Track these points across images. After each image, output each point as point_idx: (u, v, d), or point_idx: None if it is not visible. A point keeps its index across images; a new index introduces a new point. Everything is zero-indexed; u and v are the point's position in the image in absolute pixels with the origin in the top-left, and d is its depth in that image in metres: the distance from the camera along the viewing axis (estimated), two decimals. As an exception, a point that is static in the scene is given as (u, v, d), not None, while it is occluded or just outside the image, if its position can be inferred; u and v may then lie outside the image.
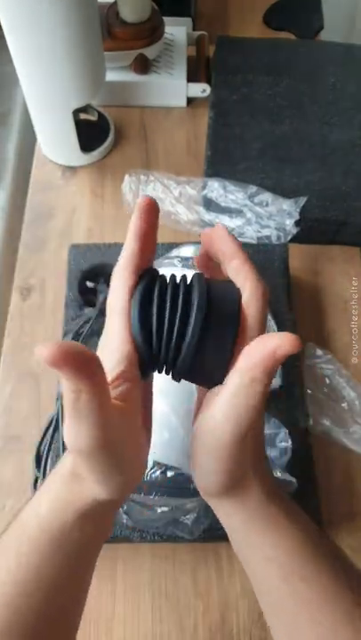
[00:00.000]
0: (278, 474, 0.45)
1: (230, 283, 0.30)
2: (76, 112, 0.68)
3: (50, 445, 0.52)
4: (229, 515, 0.32)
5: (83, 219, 0.72)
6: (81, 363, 0.23)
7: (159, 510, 0.44)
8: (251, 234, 0.66)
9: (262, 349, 0.25)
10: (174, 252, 0.57)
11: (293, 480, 0.46)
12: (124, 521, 0.46)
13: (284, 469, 0.48)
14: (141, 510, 0.44)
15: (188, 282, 0.29)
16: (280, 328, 0.56)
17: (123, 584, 0.51)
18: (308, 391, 0.58)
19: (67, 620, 0.31)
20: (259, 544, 0.31)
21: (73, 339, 0.57)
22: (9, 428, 0.58)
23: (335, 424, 0.57)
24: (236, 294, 0.29)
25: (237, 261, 0.29)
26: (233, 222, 0.66)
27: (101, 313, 0.59)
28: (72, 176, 0.76)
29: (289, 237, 0.65)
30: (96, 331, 0.59)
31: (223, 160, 0.70)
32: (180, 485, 0.42)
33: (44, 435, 0.53)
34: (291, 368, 0.56)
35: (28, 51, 0.60)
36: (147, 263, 0.30)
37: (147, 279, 0.29)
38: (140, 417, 0.29)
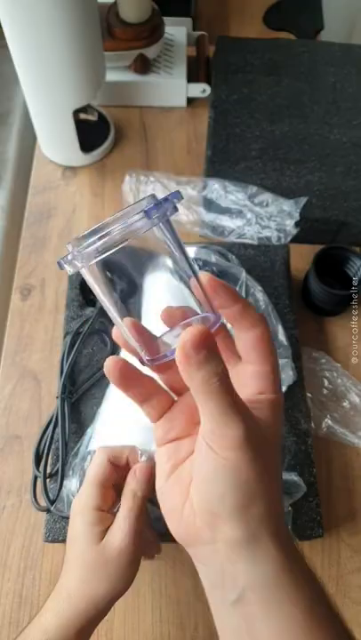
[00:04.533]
0: (285, 475, 0.45)
1: None
2: (76, 112, 0.68)
3: (50, 445, 0.52)
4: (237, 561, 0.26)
5: (83, 219, 0.72)
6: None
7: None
8: (251, 234, 0.66)
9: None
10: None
11: (302, 484, 0.45)
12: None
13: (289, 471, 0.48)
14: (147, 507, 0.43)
15: None
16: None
17: (123, 584, 0.51)
18: (308, 394, 0.58)
19: None
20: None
21: (73, 338, 0.57)
22: (9, 427, 0.58)
23: (338, 423, 0.57)
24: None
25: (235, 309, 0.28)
26: (233, 223, 0.66)
27: (102, 312, 0.59)
28: (72, 176, 0.76)
29: (289, 238, 0.65)
30: (96, 330, 0.59)
31: (223, 160, 0.70)
32: None
33: (44, 434, 0.53)
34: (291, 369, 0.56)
35: (28, 51, 0.60)
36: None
37: None
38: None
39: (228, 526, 0.25)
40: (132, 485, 0.37)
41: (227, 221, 0.67)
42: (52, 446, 0.52)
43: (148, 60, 0.77)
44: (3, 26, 0.58)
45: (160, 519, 0.45)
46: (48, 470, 0.51)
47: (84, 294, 0.61)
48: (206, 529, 0.26)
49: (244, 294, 0.54)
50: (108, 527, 0.37)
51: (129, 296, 0.64)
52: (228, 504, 0.25)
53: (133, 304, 0.48)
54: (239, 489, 0.25)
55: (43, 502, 0.50)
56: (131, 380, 0.29)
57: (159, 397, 0.30)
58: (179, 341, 0.24)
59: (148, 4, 0.74)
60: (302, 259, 0.66)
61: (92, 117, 0.74)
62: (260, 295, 0.56)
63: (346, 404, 0.58)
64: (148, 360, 0.28)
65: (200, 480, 0.26)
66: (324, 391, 0.59)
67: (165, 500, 0.29)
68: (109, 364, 0.29)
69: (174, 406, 0.31)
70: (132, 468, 0.39)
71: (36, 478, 0.51)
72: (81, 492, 0.38)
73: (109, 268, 0.67)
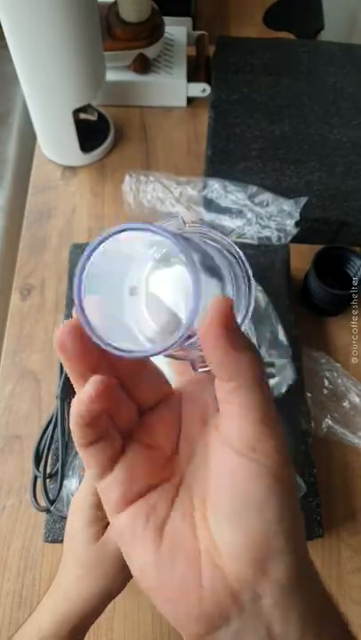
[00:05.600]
0: None
1: None
2: (76, 112, 0.68)
3: (49, 445, 0.52)
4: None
5: (83, 219, 0.72)
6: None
7: None
8: (251, 234, 0.66)
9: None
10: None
11: (302, 484, 0.45)
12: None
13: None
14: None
15: None
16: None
17: (123, 584, 0.51)
18: (308, 394, 0.58)
19: None
20: None
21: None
22: (9, 427, 0.57)
23: (338, 423, 0.57)
24: None
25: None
26: (233, 223, 0.66)
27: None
28: (72, 176, 0.76)
29: (289, 238, 0.65)
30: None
31: (223, 160, 0.70)
32: None
33: (44, 434, 0.53)
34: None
35: (28, 51, 0.60)
36: None
37: None
38: None
39: (286, 559, 0.19)
40: None
41: (227, 221, 0.67)
42: (52, 446, 0.52)
43: (147, 60, 0.77)
44: (3, 26, 0.58)
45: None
46: (48, 470, 0.51)
47: (83, 294, 0.61)
48: (250, 583, 0.19)
49: None
50: (106, 526, 0.37)
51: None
52: (286, 526, 0.19)
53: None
54: (290, 505, 0.19)
55: (42, 502, 0.50)
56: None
57: (111, 437, 0.22)
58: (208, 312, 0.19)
59: (148, 3, 0.74)
60: (302, 259, 0.66)
61: (92, 117, 0.74)
62: (259, 295, 0.56)
63: (346, 403, 0.58)
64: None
65: (242, 507, 0.19)
66: (325, 391, 0.59)
67: (165, 584, 0.20)
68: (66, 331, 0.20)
69: (130, 447, 0.22)
70: None
71: (35, 478, 0.51)
72: (80, 490, 0.38)
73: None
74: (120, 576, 0.36)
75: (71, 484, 0.49)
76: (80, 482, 0.47)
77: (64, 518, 0.49)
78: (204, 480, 0.21)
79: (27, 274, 0.67)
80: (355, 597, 0.51)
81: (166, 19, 0.78)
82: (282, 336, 0.55)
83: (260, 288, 0.56)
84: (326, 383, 0.59)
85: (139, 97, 0.80)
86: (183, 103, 0.81)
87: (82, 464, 0.49)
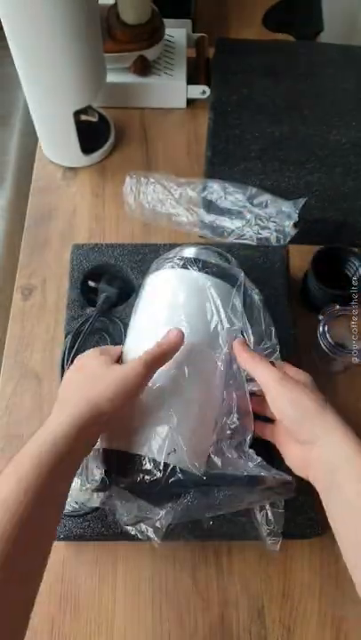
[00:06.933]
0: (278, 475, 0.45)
1: None
2: (77, 113, 0.68)
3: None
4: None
5: (83, 219, 0.72)
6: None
7: (163, 511, 0.44)
8: (250, 235, 0.66)
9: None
10: (174, 253, 0.57)
11: (289, 478, 0.45)
12: (125, 519, 0.46)
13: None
14: (147, 507, 0.44)
15: None
16: (281, 330, 0.56)
17: (123, 583, 0.51)
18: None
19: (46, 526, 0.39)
20: None
21: (74, 337, 0.57)
22: (10, 427, 0.58)
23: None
24: None
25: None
26: (233, 224, 0.67)
27: (102, 313, 0.59)
28: (73, 177, 0.76)
29: (288, 239, 0.66)
30: (97, 330, 0.59)
31: (223, 161, 0.70)
32: (184, 486, 0.42)
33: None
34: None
35: (29, 53, 0.60)
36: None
37: None
38: None
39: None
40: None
41: (226, 222, 0.67)
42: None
43: (148, 62, 0.78)
44: (4, 27, 0.58)
45: (153, 518, 0.45)
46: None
47: (84, 294, 0.62)
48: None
49: (242, 295, 0.54)
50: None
51: (118, 302, 0.64)
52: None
53: (124, 309, 0.48)
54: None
55: (44, 501, 0.50)
56: None
57: None
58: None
59: (148, 5, 0.75)
60: (301, 259, 0.66)
61: (93, 119, 0.74)
62: (255, 296, 0.56)
63: (345, 403, 0.58)
64: None
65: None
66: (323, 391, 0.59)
67: None
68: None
69: None
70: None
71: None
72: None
73: (95, 276, 0.66)
74: (114, 388, 0.41)
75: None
76: (81, 481, 0.47)
77: (65, 517, 0.50)
78: None
79: (28, 274, 0.68)
80: (354, 597, 0.51)
81: (166, 21, 0.78)
82: (275, 337, 0.55)
83: (256, 290, 0.56)
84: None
85: (139, 98, 0.81)
86: (183, 105, 0.82)
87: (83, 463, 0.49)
